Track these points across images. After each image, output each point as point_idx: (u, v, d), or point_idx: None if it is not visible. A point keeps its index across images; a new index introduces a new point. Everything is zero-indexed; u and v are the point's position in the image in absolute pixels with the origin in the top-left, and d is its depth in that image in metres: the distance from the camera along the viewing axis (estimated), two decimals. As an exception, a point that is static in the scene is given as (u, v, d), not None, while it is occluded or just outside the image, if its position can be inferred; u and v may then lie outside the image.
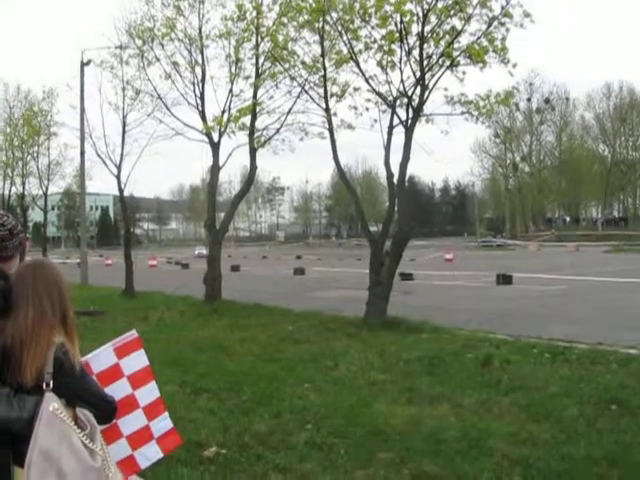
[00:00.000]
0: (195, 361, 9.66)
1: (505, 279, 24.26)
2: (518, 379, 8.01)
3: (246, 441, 5.85)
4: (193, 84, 19.13)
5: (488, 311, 16.34)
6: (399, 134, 13.46)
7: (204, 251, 64.16)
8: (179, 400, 7.05)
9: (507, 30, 12.54)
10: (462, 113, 13.54)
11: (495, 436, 5.81)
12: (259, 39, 16.71)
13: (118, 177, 21.98)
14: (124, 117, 21.31)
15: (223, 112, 18.37)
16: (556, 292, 21.16)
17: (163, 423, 3.45)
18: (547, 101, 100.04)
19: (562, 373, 8.38)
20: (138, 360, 3.37)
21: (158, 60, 19.20)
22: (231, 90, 18.40)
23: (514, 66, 12.78)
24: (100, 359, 3.19)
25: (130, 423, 3.29)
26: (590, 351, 9.83)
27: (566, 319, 14.48)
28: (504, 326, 13.00)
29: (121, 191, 22.71)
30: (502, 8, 12.27)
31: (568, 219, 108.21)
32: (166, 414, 3.46)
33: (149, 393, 3.40)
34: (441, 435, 5.87)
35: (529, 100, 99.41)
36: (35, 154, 32.54)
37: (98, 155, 22.19)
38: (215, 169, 19.44)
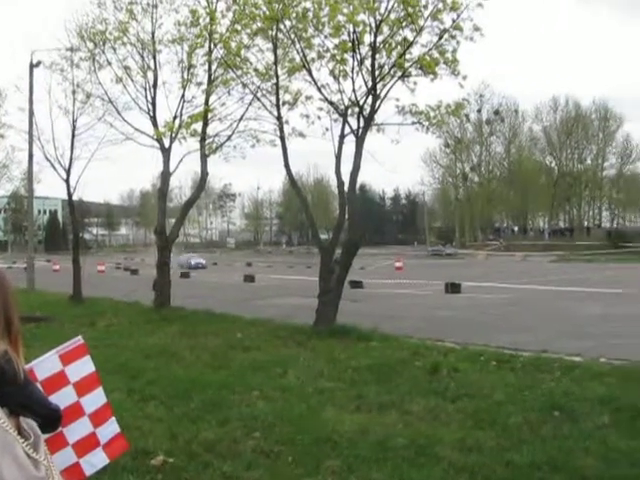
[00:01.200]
0: (143, 368, 9.55)
1: (454, 288, 24.54)
2: (465, 387, 8.10)
3: (194, 449, 5.82)
4: (145, 89, 19.00)
5: (437, 319, 16.52)
6: (350, 143, 13.56)
7: (202, 260, 60.74)
8: (126, 408, 6.97)
9: (458, 43, 12.74)
10: (413, 123, 13.69)
11: (442, 443, 5.87)
12: (212, 45, 16.64)
13: (67, 181, 21.63)
14: (74, 121, 20.97)
15: (175, 118, 18.26)
16: (503, 301, 21.49)
17: (110, 429, 3.42)
18: (497, 113, 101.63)
19: (508, 381, 8.50)
20: (84, 367, 3.34)
21: (109, 64, 19.01)
22: (183, 96, 18.32)
23: (464, 78, 13.00)
24: (45, 366, 3.14)
25: (76, 431, 3.26)
26: (535, 359, 9.99)
27: (513, 327, 14.72)
28: (452, 334, 13.13)
29: (70, 195, 22.35)
30: (453, 21, 12.46)
31: (516, 229, 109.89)
32: (113, 419, 3.43)
33: (95, 400, 3.37)
34: (389, 443, 5.90)
35: (479, 111, 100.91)
36: (-19, 156, 31.83)
37: (47, 158, 21.77)
38: (166, 175, 19.31)
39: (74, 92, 20.49)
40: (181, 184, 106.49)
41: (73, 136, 21.11)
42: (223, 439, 6.08)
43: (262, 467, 5.37)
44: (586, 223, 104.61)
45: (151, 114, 18.96)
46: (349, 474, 5.20)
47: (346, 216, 14.25)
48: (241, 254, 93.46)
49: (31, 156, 26.00)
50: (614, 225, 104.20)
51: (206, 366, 9.85)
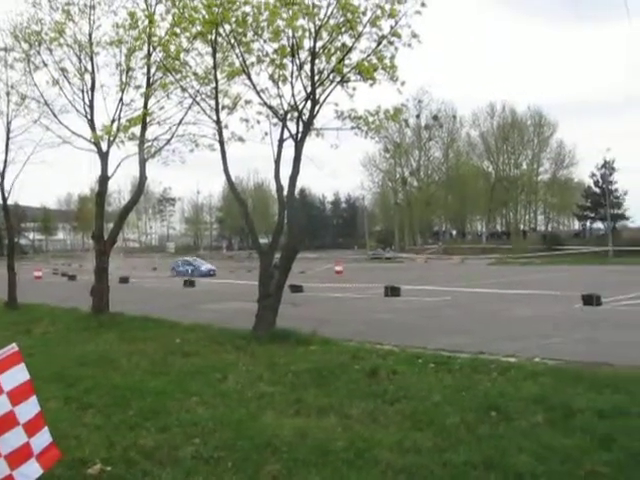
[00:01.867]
0: (81, 376, 9.41)
1: (393, 291, 24.75)
2: (403, 389, 8.20)
3: (132, 457, 5.77)
4: (82, 91, 18.71)
5: (376, 322, 16.65)
6: (290, 147, 13.59)
7: (212, 266, 51.48)
8: (63, 417, 6.88)
9: (396, 49, 12.86)
10: (352, 128, 13.77)
11: (381, 445, 5.94)
12: (151, 48, 16.46)
13: (1, 185, 21.20)
14: (8, 123, 20.59)
15: (113, 121, 17.99)
16: (442, 303, 21.78)
17: (43, 438, 3.38)
18: (435, 118, 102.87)
19: (445, 382, 8.64)
20: (18, 375, 3.30)
21: (45, 65, 18.69)
22: (121, 99, 18.09)
23: (402, 84, 13.13)
24: None
25: (9, 441, 3.21)
26: (472, 360, 10.17)
27: (451, 330, 14.94)
28: (391, 337, 13.26)
29: (4, 199, 21.89)
30: (391, 28, 12.58)
31: (454, 232, 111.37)
32: (46, 429, 3.39)
33: (30, 409, 3.33)
34: (328, 446, 5.95)
35: (418, 117, 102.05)
36: None
37: (-21, 161, 21.31)
38: (104, 179, 19.04)
39: (8, 93, 20.15)
40: (120, 188, 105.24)
41: (8, 139, 20.71)
42: (162, 446, 6.04)
43: (202, 473, 5.36)
44: (522, 227, 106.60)
45: (89, 117, 18.69)
46: (289, 478, 5.24)
47: (285, 220, 14.27)
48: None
49: (-37, 159, 25.32)
50: (549, 228, 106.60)
51: (145, 373, 9.75)
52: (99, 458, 5.69)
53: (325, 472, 5.31)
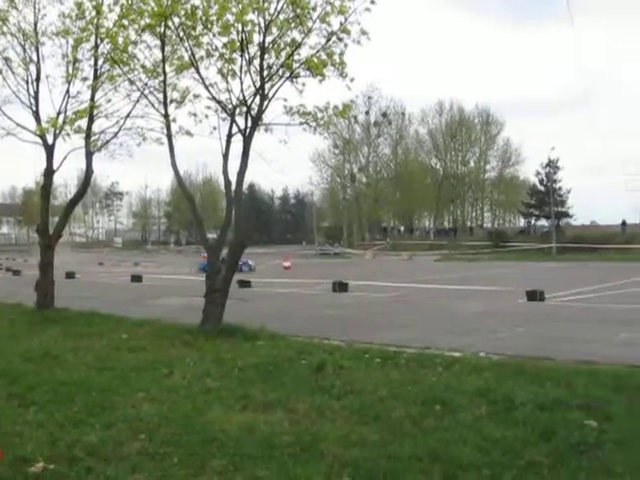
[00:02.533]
0: (23, 372, 9.24)
1: (341, 286, 24.88)
2: (350, 384, 8.25)
3: (76, 454, 5.69)
4: (27, 82, 18.25)
5: (324, 318, 16.73)
6: (238, 142, 13.55)
7: (250, 261, 49.30)
8: (5, 414, 6.77)
9: (345, 45, 12.90)
10: (301, 124, 13.77)
11: (327, 439, 5.98)
12: (98, 40, 16.22)
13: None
14: (-53, 112, 20.03)
15: (59, 114, 17.67)
16: (389, 299, 21.99)
17: None
18: (384, 115, 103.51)
19: (392, 377, 8.72)
20: None
21: (-13, 54, 18.23)
22: (68, 91, 17.72)
23: (352, 80, 13.18)
24: None
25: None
26: (418, 355, 10.29)
27: (398, 325, 15.09)
28: (339, 332, 13.35)
29: (-55, 193, 21.39)
30: (341, 24, 12.62)
31: (402, 229, 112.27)
32: None
33: None
34: (274, 440, 5.97)
35: (367, 113, 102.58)
36: None
37: None
38: (49, 172, 18.70)
39: (-53, 83, 19.56)
40: (66, 182, 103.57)
41: (-54, 129, 20.15)
42: (107, 442, 5.98)
43: (147, 469, 5.32)
44: (469, 223, 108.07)
45: (33, 109, 18.29)
46: (235, 473, 5.23)
47: (233, 216, 14.23)
48: (128, 253, 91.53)
49: None
50: (495, 225, 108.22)
51: (90, 368, 9.62)
52: (42, 456, 5.60)
53: (271, 466, 5.33)
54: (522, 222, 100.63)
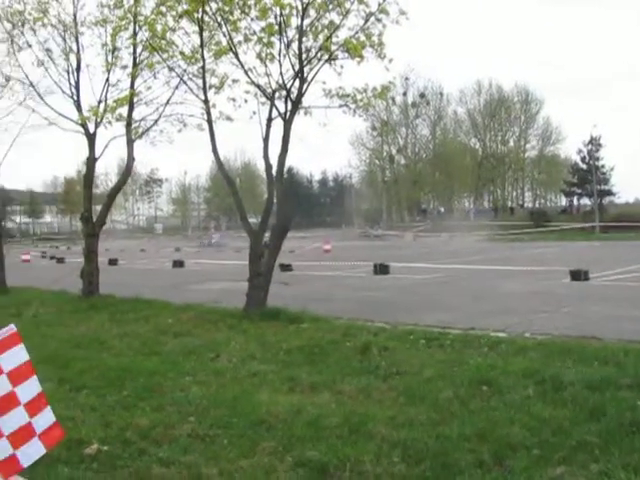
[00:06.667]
0: (73, 357, 9.44)
1: (382, 269, 24.77)
2: (395, 365, 8.26)
3: (128, 436, 5.81)
4: (68, 72, 18.50)
5: (366, 300, 16.70)
6: (278, 126, 13.57)
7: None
8: (58, 398, 6.89)
9: (384, 26, 12.84)
10: (340, 106, 13.74)
11: (375, 420, 6.00)
12: (137, 28, 16.36)
13: (-12, 169, 21.05)
14: (-8, 105, 20.35)
15: (99, 102, 17.88)
16: (431, 280, 21.87)
17: (45, 418, 3.41)
18: (422, 95, 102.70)
19: (437, 358, 8.71)
20: (18, 355, 3.32)
21: (30, 46, 18.43)
22: (107, 80, 17.92)
23: (390, 61, 13.11)
24: None
25: (11, 421, 3.24)
26: (463, 336, 10.25)
27: (441, 306, 15.01)
28: (382, 314, 13.33)
29: (-9, 183, 21.75)
30: (379, 5, 12.56)
31: (442, 210, 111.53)
32: (48, 408, 3.42)
33: (30, 389, 3.35)
34: (322, 422, 6.01)
35: (405, 94, 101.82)
36: None
37: (-37, 145, 21.13)
38: (91, 161, 18.95)
39: (-9, 75, 19.86)
40: (107, 170, 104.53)
41: (-8, 121, 20.49)
42: (158, 425, 6.09)
43: (198, 451, 5.41)
44: (510, 203, 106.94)
45: (75, 98, 18.51)
46: (285, 454, 5.28)
47: (275, 200, 14.26)
48: (169, 240, 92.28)
49: (-53, 142, 25.15)
50: (536, 205, 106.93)
51: (137, 353, 9.80)
52: (95, 438, 5.73)
53: (320, 447, 5.37)
54: (564, 201, 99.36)
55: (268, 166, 13.79)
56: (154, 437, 5.79)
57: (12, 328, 3.37)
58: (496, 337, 10.09)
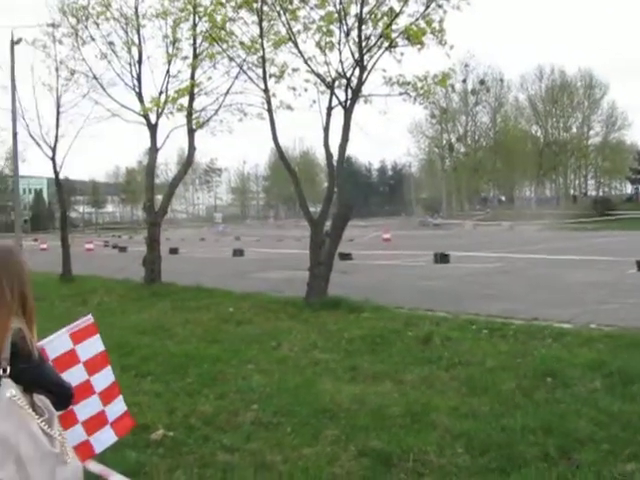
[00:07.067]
0: (137, 344, 9.61)
1: (442, 258, 24.58)
2: (458, 355, 8.19)
3: (192, 423, 5.89)
4: (130, 64, 18.82)
5: (427, 289, 16.59)
6: (337, 115, 13.54)
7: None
8: (123, 384, 6.88)
9: (444, 12, 12.68)
10: (400, 94, 13.63)
11: (437, 410, 5.96)
12: (197, 19, 16.52)
13: (53, 159, 21.48)
14: (58, 98, 20.79)
15: (160, 93, 18.15)
16: (492, 270, 21.61)
17: (118, 407, 3.48)
18: (482, 82, 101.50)
19: (500, 348, 8.60)
20: (94, 345, 3.39)
21: (93, 39, 18.82)
22: (168, 71, 18.19)
23: (451, 47, 12.97)
24: (56, 345, 3.19)
25: (86, 409, 3.32)
26: (526, 326, 10.09)
27: (503, 296, 14.81)
28: (443, 304, 13.22)
29: (56, 174, 22.20)
30: (440, -10, 12.41)
31: (503, 198, 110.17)
32: (120, 397, 3.50)
33: (105, 378, 3.43)
34: (385, 411, 6.00)
35: (464, 81, 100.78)
36: (-36, 136, 31.48)
37: (32, 137, 21.57)
38: (153, 151, 19.23)
39: (57, 69, 20.29)
40: (166, 160, 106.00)
41: (58, 113, 20.94)
42: (221, 412, 6.16)
43: (262, 438, 5.45)
44: (572, 191, 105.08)
45: (137, 90, 18.82)
46: (348, 443, 5.28)
47: (335, 189, 14.23)
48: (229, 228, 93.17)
49: (15, 135, 25.71)
50: (600, 193, 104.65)
51: (200, 341, 9.91)
52: (161, 424, 5.83)
53: (383, 437, 5.35)
54: (630, 189, 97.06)
55: (329, 155, 13.78)
56: (218, 424, 5.86)
57: (89, 319, 3.44)
58: (560, 328, 9.90)
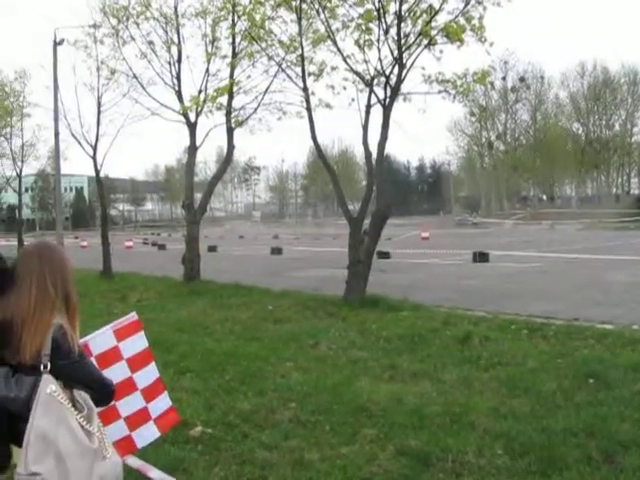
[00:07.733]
0: (176, 341, 9.66)
1: (482, 257, 24.42)
2: (497, 355, 8.12)
3: (231, 420, 5.91)
4: (169, 63, 18.96)
5: (466, 289, 16.48)
6: (375, 113, 13.49)
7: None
8: (163, 381, 7.07)
9: (484, 9, 12.53)
10: (439, 92, 13.53)
11: (476, 411, 5.91)
12: (236, 18, 16.58)
13: (94, 158, 21.73)
14: (99, 97, 21.02)
15: (200, 92, 18.26)
16: (532, 269, 21.38)
17: (162, 403, 3.51)
18: (522, 79, 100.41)
19: (540, 349, 8.50)
20: (137, 342, 3.42)
21: (133, 39, 18.99)
22: (207, 70, 18.30)
23: (491, 45, 12.79)
24: (99, 341, 3.22)
25: (128, 405, 3.35)
26: (567, 327, 9.94)
27: (543, 296, 14.64)
28: (482, 303, 13.13)
29: (97, 172, 22.46)
30: (480, -13, 12.28)
31: (543, 197, 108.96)
32: (165, 394, 3.52)
33: (148, 375, 3.46)
34: (423, 411, 5.96)
35: (504, 79, 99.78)
36: (8, 135, 31.95)
37: (73, 136, 21.85)
38: (192, 149, 19.35)
39: (98, 69, 20.51)
40: (205, 159, 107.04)
41: (99, 113, 21.18)
42: (259, 409, 6.17)
43: (300, 436, 5.44)
44: (615, 190, 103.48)
45: (176, 89, 18.96)
46: (386, 442, 5.26)
47: (374, 187, 14.18)
48: (267, 227, 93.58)
49: (57, 134, 26.03)
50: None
51: (238, 338, 9.95)
52: (200, 421, 5.86)
53: (422, 436, 5.32)
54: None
55: (368, 153, 13.74)
56: (256, 421, 5.87)
57: (134, 316, 3.47)
58: (602, 329, 9.74)
